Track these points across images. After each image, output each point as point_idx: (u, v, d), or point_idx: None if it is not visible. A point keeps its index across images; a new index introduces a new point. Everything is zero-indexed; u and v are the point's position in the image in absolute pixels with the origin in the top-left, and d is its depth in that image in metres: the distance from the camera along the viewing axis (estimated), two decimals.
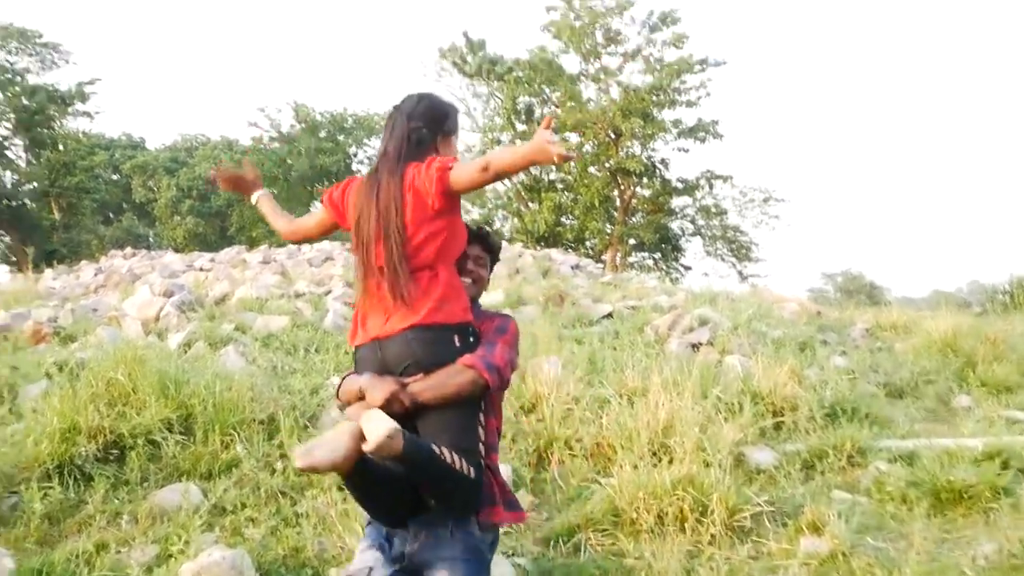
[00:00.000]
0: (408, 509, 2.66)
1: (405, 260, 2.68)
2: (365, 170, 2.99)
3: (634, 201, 32.86)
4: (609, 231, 32.11)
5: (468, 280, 2.93)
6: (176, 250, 24.76)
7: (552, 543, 4.95)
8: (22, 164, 35.16)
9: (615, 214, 32.63)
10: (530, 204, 32.79)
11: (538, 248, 23.57)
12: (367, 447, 2.38)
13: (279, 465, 5.51)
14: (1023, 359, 8.78)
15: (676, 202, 34.02)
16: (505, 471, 5.56)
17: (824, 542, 4.57)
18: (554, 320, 9.82)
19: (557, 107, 32.76)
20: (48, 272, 16.80)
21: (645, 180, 32.21)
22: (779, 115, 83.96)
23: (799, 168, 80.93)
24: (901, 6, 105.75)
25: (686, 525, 4.87)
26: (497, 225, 34.17)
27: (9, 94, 33.09)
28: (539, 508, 5.45)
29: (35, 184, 34.61)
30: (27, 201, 34.41)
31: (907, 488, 5.32)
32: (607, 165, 31.20)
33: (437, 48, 36.43)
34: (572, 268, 16.47)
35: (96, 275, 15.72)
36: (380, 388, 2.60)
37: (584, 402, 6.44)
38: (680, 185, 33.27)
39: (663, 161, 32.60)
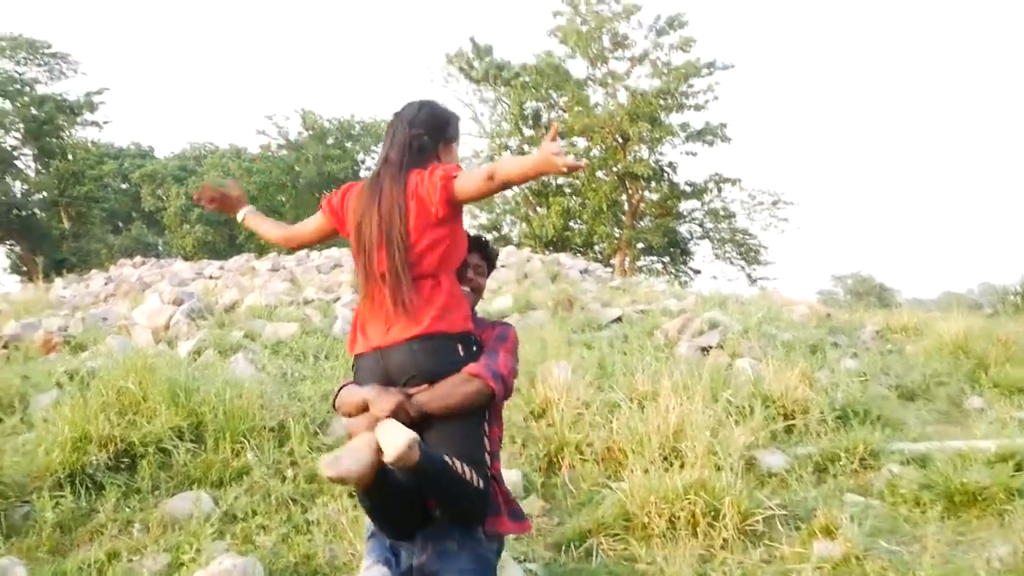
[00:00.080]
0: (416, 521, 2.64)
1: (408, 267, 2.65)
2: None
3: (642, 205, 32.83)
4: (617, 235, 32.08)
5: (467, 289, 2.91)
6: (185, 258, 24.83)
7: (563, 548, 4.94)
8: (31, 174, 35.30)
9: (623, 218, 32.59)
10: (538, 209, 32.79)
11: (546, 253, 23.53)
12: (387, 458, 2.36)
13: (290, 472, 5.50)
14: None
15: (684, 206, 33.97)
16: (516, 476, 5.56)
17: (837, 546, 4.54)
18: (563, 325, 9.81)
19: (564, 112, 32.77)
20: (58, 281, 16.88)
21: (653, 184, 32.18)
22: (788, 117, 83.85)
23: (808, 170, 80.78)
24: (910, 7, 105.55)
25: (698, 529, 4.85)
26: (505, 230, 34.20)
27: (18, 104, 33.24)
28: (550, 513, 5.43)
29: (44, 194, 34.76)
30: (37, 211, 34.54)
31: (920, 491, 5.29)
32: (615, 169, 31.17)
33: (444, 54, 36.44)
34: (581, 272, 16.45)
35: (106, 284, 15.78)
36: (386, 400, 2.56)
37: (594, 407, 6.43)
38: (688, 189, 33.22)
39: (671, 165, 32.58)
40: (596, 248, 32.97)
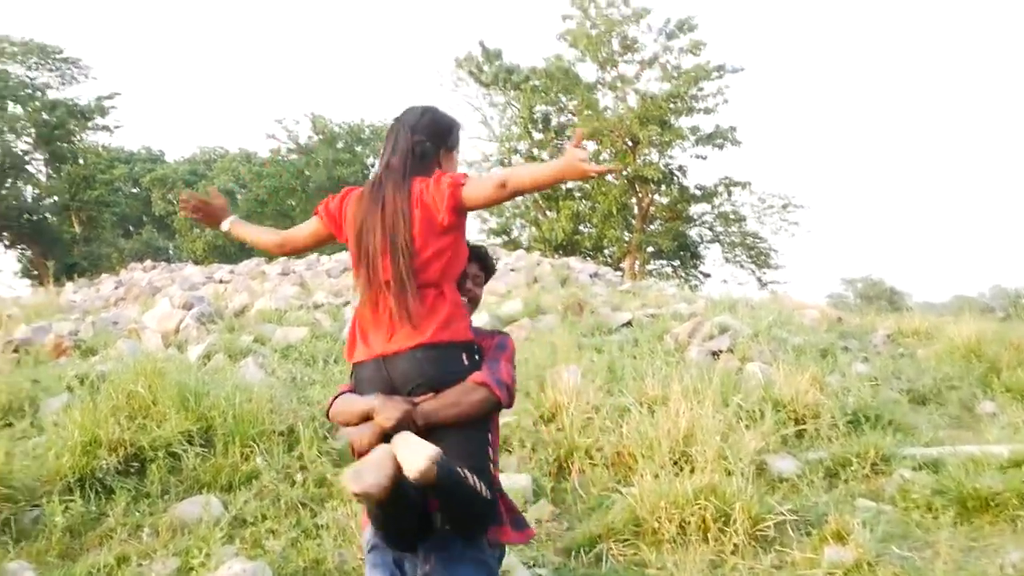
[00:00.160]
0: (420, 532, 2.60)
1: (413, 275, 2.62)
2: None
3: (652, 208, 32.80)
4: (627, 239, 32.06)
5: (464, 299, 2.86)
6: (196, 262, 24.90)
7: (573, 553, 4.92)
8: (43, 178, 35.48)
9: (633, 222, 32.57)
10: (548, 212, 32.79)
11: (556, 257, 23.52)
12: (411, 474, 2.32)
13: (299, 477, 5.50)
14: None
15: (694, 209, 33.92)
16: (525, 481, 5.55)
17: (849, 551, 4.51)
18: (573, 329, 9.79)
19: (574, 115, 32.77)
20: (69, 285, 16.93)
21: (663, 187, 32.15)
22: (798, 121, 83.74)
23: (818, 174, 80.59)
24: (921, 9, 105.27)
25: (708, 535, 4.83)
26: (515, 234, 34.20)
27: (30, 109, 33.42)
28: (560, 518, 5.42)
29: (56, 198, 34.91)
30: (48, 215, 34.72)
31: (932, 496, 5.25)
32: (624, 173, 31.14)
33: (453, 58, 36.49)
34: (591, 276, 16.43)
35: (116, 288, 15.83)
36: (392, 409, 2.52)
37: (604, 411, 6.41)
38: (698, 192, 33.18)
39: (681, 168, 32.53)
40: (606, 252, 32.96)
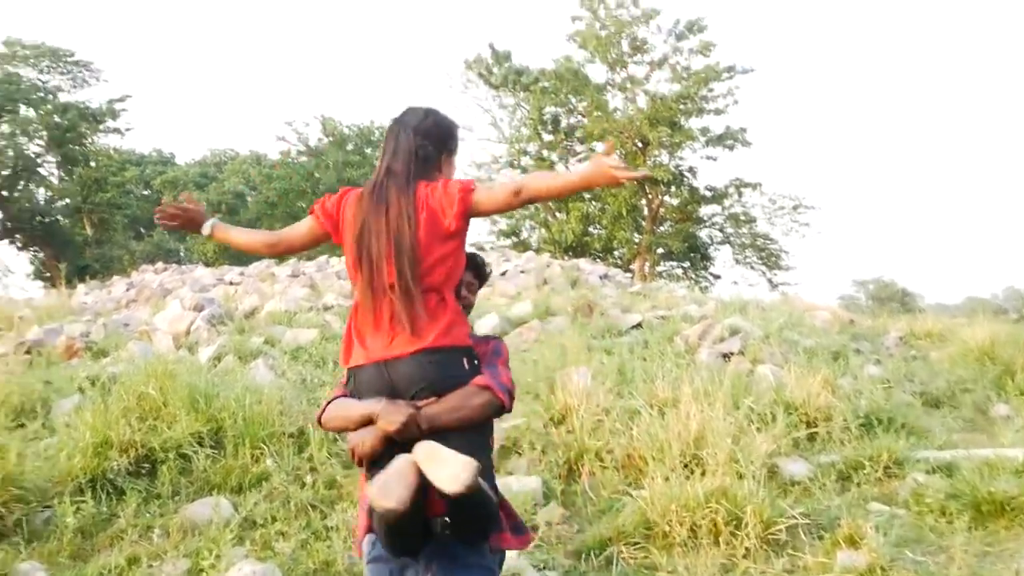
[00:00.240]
0: (421, 537, 2.56)
1: (418, 280, 2.60)
2: None
3: (662, 210, 32.78)
4: (637, 240, 32.04)
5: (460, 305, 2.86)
6: (206, 264, 24.97)
7: (583, 556, 4.90)
8: (55, 181, 35.65)
9: (643, 223, 32.56)
10: (557, 214, 32.79)
11: (566, 258, 23.51)
12: (458, 487, 2.28)
13: (309, 478, 5.50)
14: None
15: (704, 210, 33.91)
16: (535, 483, 5.53)
17: (862, 556, 4.47)
18: (583, 330, 9.76)
19: (583, 117, 32.79)
20: (80, 287, 16.99)
21: (673, 189, 32.15)
22: (809, 121, 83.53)
23: (829, 174, 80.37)
24: (933, 8, 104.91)
25: (720, 538, 4.80)
26: (525, 235, 34.23)
27: (42, 112, 33.58)
28: (570, 520, 5.40)
29: (68, 200, 35.08)
30: (60, 217, 34.88)
31: (946, 500, 5.20)
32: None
33: (463, 60, 36.51)
34: (600, 278, 16.42)
35: (127, 290, 15.89)
36: (397, 413, 2.49)
37: (614, 413, 6.38)
38: (708, 193, 33.16)
39: (691, 169, 32.54)
40: (616, 253, 32.94)
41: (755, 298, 13.46)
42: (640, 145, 30.69)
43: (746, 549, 4.73)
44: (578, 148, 34.49)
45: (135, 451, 5.54)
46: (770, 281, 34.05)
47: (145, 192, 40.09)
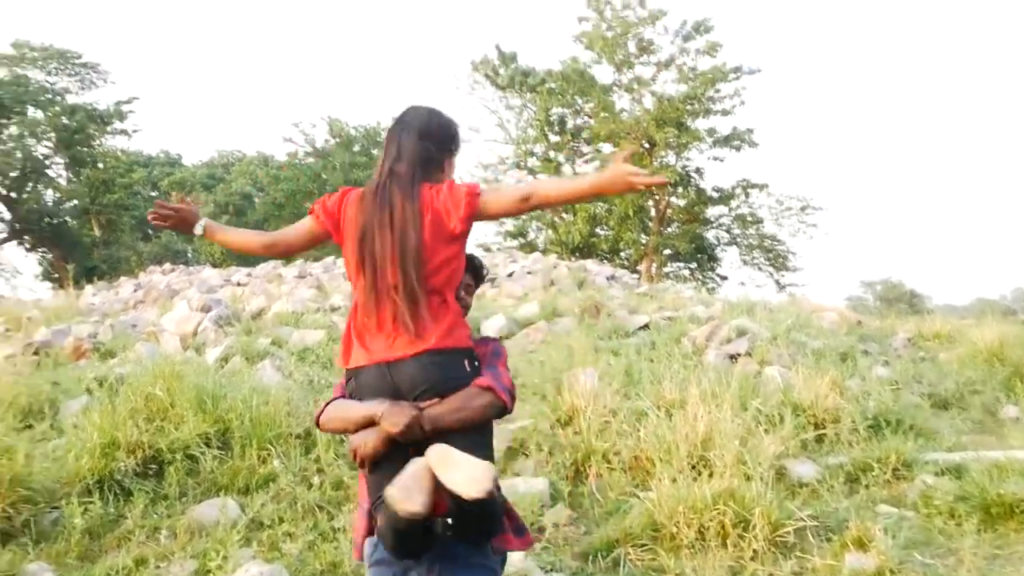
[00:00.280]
0: (424, 538, 2.54)
1: (423, 282, 2.59)
2: None
3: (669, 211, 32.76)
4: (644, 241, 32.03)
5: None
6: (214, 265, 25.00)
7: (591, 558, 4.89)
8: (63, 182, 35.73)
9: (650, 224, 32.52)
10: (564, 215, 32.77)
11: (573, 259, 23.52)
12: (478, 492, 2.27)
13: (316, 480, 5.50)
14: None
15: (711, 211, 33.89)
16: (542, 484, 5.52)
17: (870, 558, 4.45)
18: (590, 332, 9.75)
19: (590, 118, 32.77)
20: (88, 288, 17.04)
21: (680, 190, 32.11)
22: (816, 121, 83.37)
23: (837, 175, 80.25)
24: (942, 10, 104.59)
25: (728, 540, 4.78)
26: (532, 236, 34.23)
27: (50, 114, 33.66)
28: (577, 522, 5.38)
29: (76, 202, 35.17)
30: (68, 218, 34.94)
31: (955, 502, 5.18)
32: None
33: (470, 61, 36.59)
34: (607, 279, 16.41)
35: (135, 291, 15.93)
36: (401, 414, 2.48)
37: (621, 414, 6.37)
38: (715, 194, 33.13)
39: (698, 170, 32.52)
40: (623, 254, 32.93)
41: (762, 299, 13.45)
42: (647, 146, 30.66)
43: (754, 551, 4.71)
44: (585, 149, 34.50)
45: (142, 452, 5.55)
46: (777, 282, 34.04)
47: (153, 193, 40.14)
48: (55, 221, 34.36)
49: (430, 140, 2.77)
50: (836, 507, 5.34)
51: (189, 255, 37.00)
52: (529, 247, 31.61)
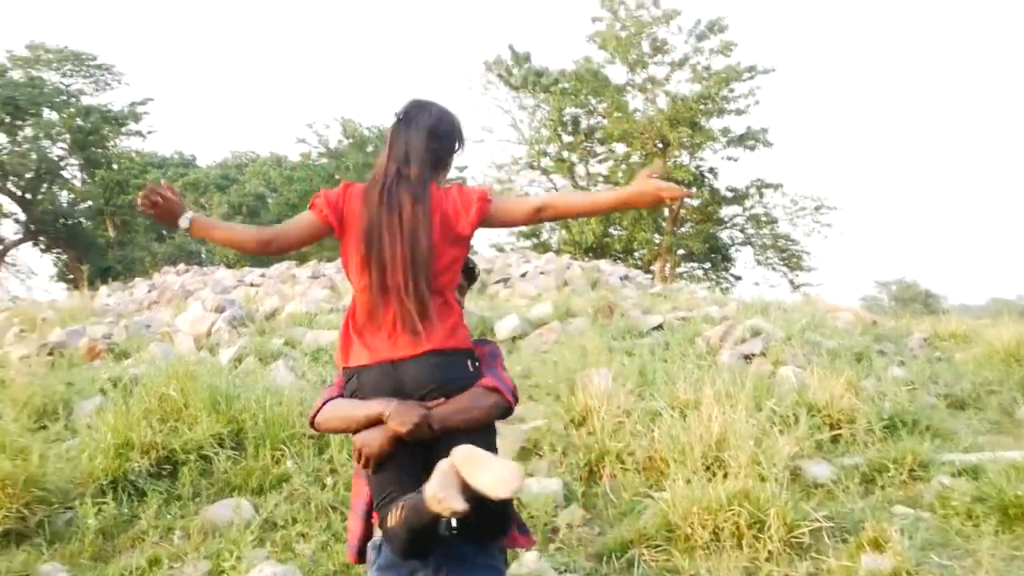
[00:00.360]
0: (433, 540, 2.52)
1: (430, 283, 2.59)
2: None
3: (683, 211, 32.68)
4: (658, 241, 31.98)
5: None
6: (228, 266, 25.06)
7: (605, 559, 4.86)
8: (77, 183, 35.94)
9: (663, 224, 32.47)
10: None
11: (586, 259, 23.49)
12: (504, 492, 2.26)
13: (329, 480, 5.50)
14: None
15: (725, 211, 33.82)
16: (556, 485, 5.50)
17: (887, 559, 4.41)
18: (603, 332, 9.73)
19: (603, 118, 32.73)
20: (103, 289, 17.11)
21: (694, 190, 32.02)
22: (831, 121, 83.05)
23: (851, 175, 79.91)
24: (957, 8, 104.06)
25: (742, 541, 4.75)
26: (545, 236, 34.21)
27: (65, 115, 33.85)
28: (591, 523, 5.36)
29: (90, 203, 35.35)
30: (83, 219, 35.13)
31: (973, 503, 5.12)
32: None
33: (483, 61, 36.60)
34: (621, 279, 16.38)
35: (149, 291, 16.00)
36: (410, 413, 2.47)
37: (635, 415, 6.34)
38: (729, 194, 33.06)
39: (712, 170, 32.46)
40: (636, 254, 32.91)
41: (776, 299, 13.38)
42: (660, 146, 30.62)
43: (769, 552, 4.68)
44: (598, 149, 34.49)
45: (156, 452, 5.56)
46: (791, 282, 33.94)
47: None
48: (70, 222, 34.55)
49: (439, 141, 2.75)
50: (852, 508, 5.29)
51: (203, 256, 37.13)
52: (542, 247, 31.60)
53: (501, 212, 2.67)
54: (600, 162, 34.95)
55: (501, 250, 28.99)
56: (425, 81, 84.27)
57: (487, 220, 2.67)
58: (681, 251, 32.24)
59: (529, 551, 4.65)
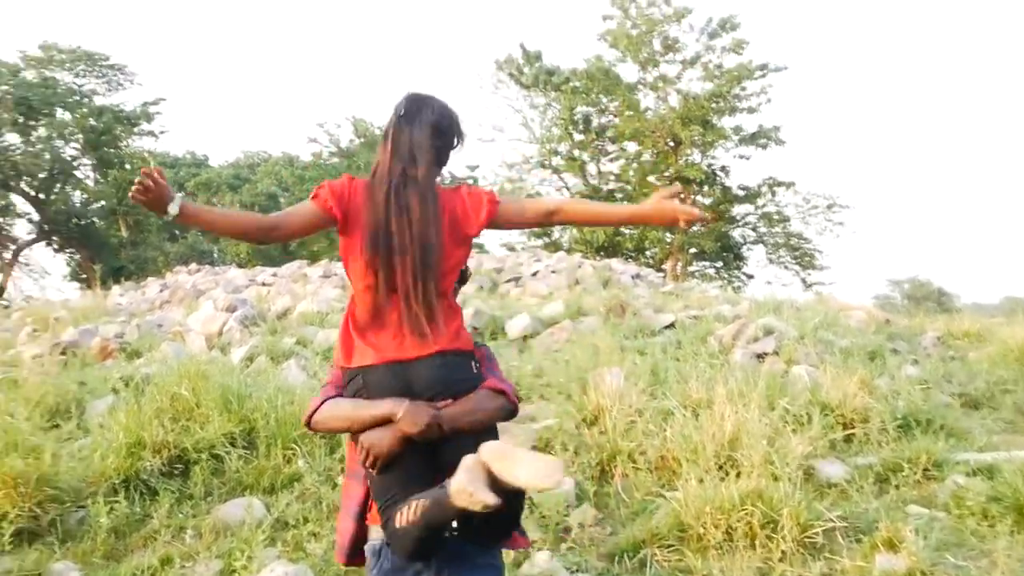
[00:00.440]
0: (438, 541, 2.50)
1: (438, 284, 2.58)
2: None
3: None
4: (669, 240, 31.88)
5: None
6: (239, 265, 25.15)
7: (617, 559, 4.84)
8: (90, 183, 36.02)
9: None
10: None
11: (598, 258, 23.44)
12: (547, 483, 2.26)
13: (341, 479, 5.48)
14: None
15: (737, 210, 33.70)
16: (568, 484, 5.48)
17: (901, 560, 4.38)
18: (615, 331, 9.71)
19: (615, 116, 32.67)
20: (115, 288, 17.19)
21: (705, 188, 31.97)
22: (843, 119, 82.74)
23: (864, 173, 79.59)
24: (971, 6, 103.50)
25: (755, 541, 4.73)
26: (556, 235, 34.16)
27: (77, 115, 33.95)
28: (603, 522, 5.34)
29: (103, 202, 35.42)
30: (95, 219, 35.22)
31: (988, 503, 5.08)
32: (667, 174, 30.98)
33: (494, 60, 36.55)
34: (632, 278, 16.33)
35: (161, 291, 16.05)
36: (421, 415, 2.44)
37: (647, 414, 6.32)
38: (741, 193, 32.96)
39: (723, 169, 32.36)
40: (647, 253, 32.82)
41: (789, 298, 13.32)
42: (672, 144, 30.56)
43: (782, 552, 4.66)
44: (609, 148, 34.42)
45: (168, 451, 5.57)
46: (804, 281, 33.81)
47: (179, 194, 40.42)
48: (83, 222, 34.66)
49: (442, 138, 2.72)
50: (866, 508, 5.26)
51: (215, 255, 37.26)
52: (554, 246, 31.56)
53: (509, 213, 2.67)
54: (611, 161, 34.89)
55: (512, 249, 28.98)
56: (436, 80, 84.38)
57: (495, 221, 2.66)
58: (693, 250, 32.13)
59: (541, 551, 4.65)
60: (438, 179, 2.70)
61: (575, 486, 5.56)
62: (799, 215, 33.20)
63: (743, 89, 30.18)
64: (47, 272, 35.84)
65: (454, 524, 2.40)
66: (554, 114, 34.52)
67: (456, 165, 37.40)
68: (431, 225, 2.56)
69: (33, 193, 34.04)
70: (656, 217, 2.64)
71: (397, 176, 2.61)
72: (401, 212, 2.57)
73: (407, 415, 2.44)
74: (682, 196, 2.65)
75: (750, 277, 34.73)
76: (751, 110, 30.63)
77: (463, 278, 2.95)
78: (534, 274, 15.87)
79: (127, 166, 35.54)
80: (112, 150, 35.29)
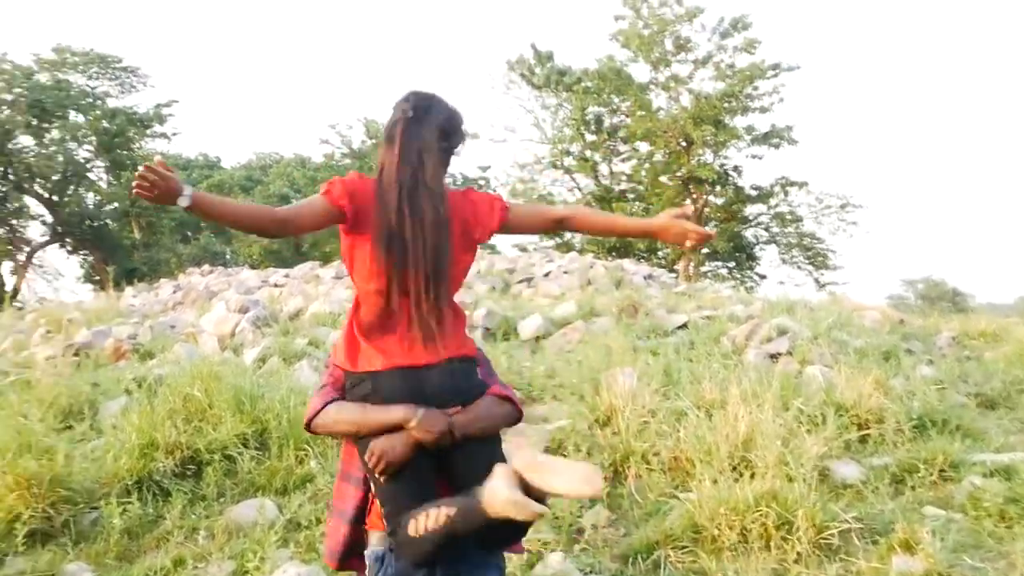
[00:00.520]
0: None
1: (446, 292, 2.56)
2: None
3: (707, 210, 32.53)
4: None
5: None
6: (252, 267, 25.22)
7: (630, 560, 4.82)
8: (103, 185, 36.19)
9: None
10: None
11: (610, 258, 23.42)
12: (589, 491, 2.29)
13: None
14: None
15: (750, 210, 33.63)
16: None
17: (918, 561, 4.34)
18: (628, 331, 9.67)
19: (627, 117, 32.63)
20: (128, 290, 17.25)
21: (718, 188, 31.93)
22: (856, 118, 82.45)
23: (877, 172, 79.26)
24: (984, 5, 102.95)
25: (770, 543, 4.69)
26: (567, 236, 34.14)
27: (91, 117, 34.14)
28: (616, 524, 5.32)
29: (116, 204, 35.59)
30: (109, 221, 35.40)
31: (1005, 504, 5.03)
32: (679, 174, 30.94)
33: (505, 60, 36.58)
34: (645, 278, 16.29)
35: (174, 292, 16.09)
36: (438, 421, 2.43)
37: (660, 415, 6.29)
38: (754, 192, 32.89)
39: (736, 168, 32.29)
40: (660, 253, 32.76)
41: (802, 298, 13.26)
42: (684, 144, 30.50)
43: (797, 554, 4.62)
44: (621, 148, 34.38)
45: (181, 452, 5.58)
46: (817, 281, 33.71)
47: (190, 185, 40.53)
48: (96, 224, 34.84)
49: (449, 139, 2.67)
50: (881, 509, 5.22)
51: (227, 256, 37.37)
52: (565, 246, 31.53)
53: (519, 220, 2.67)
54: (623, 161, 34.86)
55: (524, 250, 28.91)
56: (448, 80, 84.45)
57: (504, 228, 2.66)
58: (705, 250, 32.04)
59: (554, 552, 4.63)
60: (447, 181, 2.69)
61: None
62: (812, 215, 33.13)
63: (755, 89, 30.11)
64: (60, 274, 36.09)
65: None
66: (566, 114, 34.53)
67: (468, 166, 37.50)
68: (443, 233, 2.52)
69: (47, 195, 34.24)
70: (665, 234, 2.66)
71: (407, 180, 2.55)
72: (414, 218, 2.51)
73: (423, 422, 2.42)
74: (688, 215, 2.67)
75: (763, 277, 34.70)
76: (763, 110, 30.57)
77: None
78: (546, 275, 15.85)
79: (140, 168, 35.69)
80: (125, 152, 35.46)
